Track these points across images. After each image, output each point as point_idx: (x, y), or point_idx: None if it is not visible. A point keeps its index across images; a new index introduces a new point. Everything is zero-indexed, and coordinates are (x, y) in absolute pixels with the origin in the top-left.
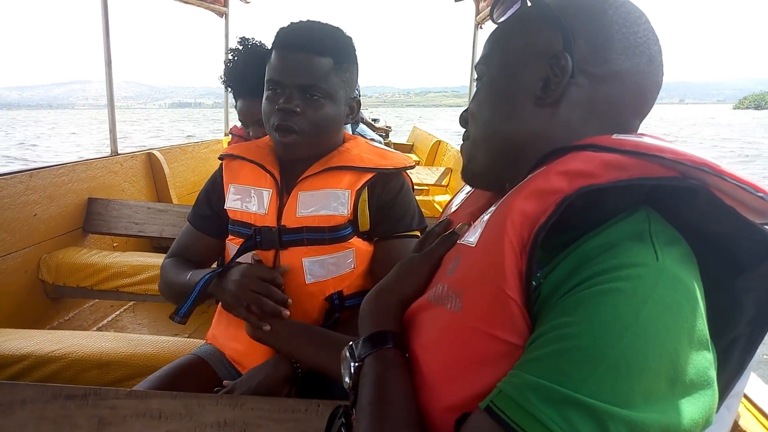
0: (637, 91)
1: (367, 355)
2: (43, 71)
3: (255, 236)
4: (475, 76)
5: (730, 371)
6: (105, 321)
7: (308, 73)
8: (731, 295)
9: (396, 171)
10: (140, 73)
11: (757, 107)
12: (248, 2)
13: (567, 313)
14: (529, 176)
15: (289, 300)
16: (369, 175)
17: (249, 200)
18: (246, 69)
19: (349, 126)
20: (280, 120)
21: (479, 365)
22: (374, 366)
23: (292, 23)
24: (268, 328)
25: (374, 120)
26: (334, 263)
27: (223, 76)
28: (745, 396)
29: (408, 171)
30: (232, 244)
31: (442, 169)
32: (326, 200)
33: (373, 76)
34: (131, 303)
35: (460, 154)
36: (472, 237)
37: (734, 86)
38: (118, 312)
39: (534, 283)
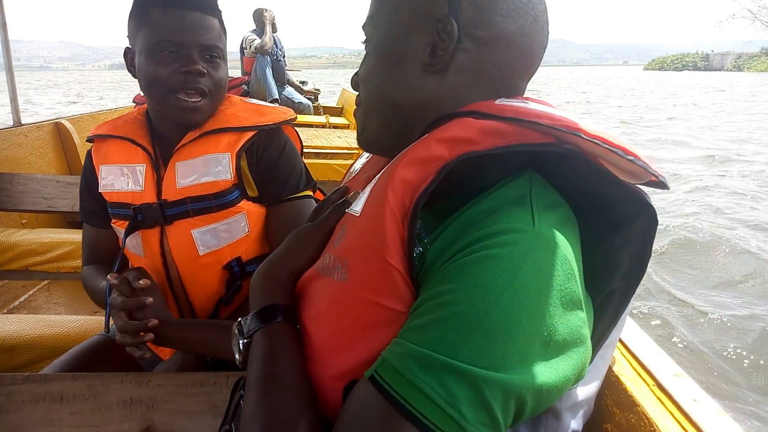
0: (522, 53)
1: (256, 331)
2: None
3: (135, 215)
4: (363, 38)
5: (604, 323)
6: (16, 302)
7: (208, 33)
8: (609, 252)
9: (276, 126)
10: (77, 33)
11: (660, 69)
12: None
13: (447, 280)
14: (411, 145)
15: (148, 301)
16: (249, 135)
17: (123, 179)
18: None
19: (274, 88)
20: (184, 83)
21: (365, 333)
22: (262, 342)
23: None
24: (156, 322)
25: (302, 83)
26: (226, 230)
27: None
28: (621, 342)
29: (335, 134)
30: (117, 227)
31: None
32: (206, 167)
33: (322, 35)
34: (45, 282)
35: None
36: (357, 206)
37: (678, 48)
38: (30, 292)
39: (420, 249)
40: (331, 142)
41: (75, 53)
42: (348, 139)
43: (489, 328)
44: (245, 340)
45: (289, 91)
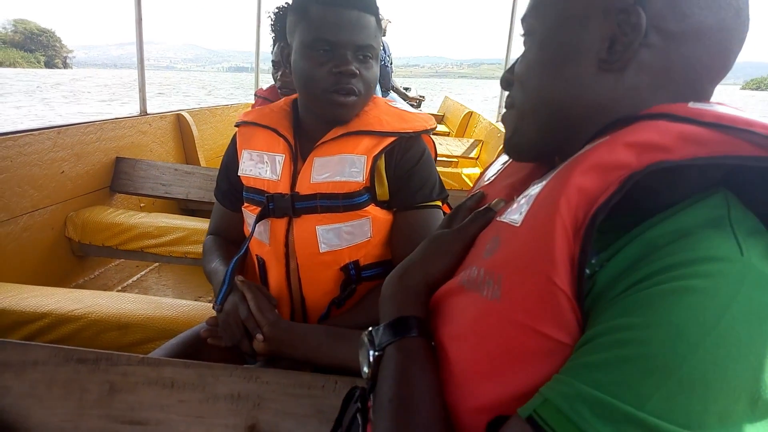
0: (719, 51)
1: (389, 344)
2: (101, 30)
3: (268, 203)
4: (521, 31)
5: None
6: (130, 281)
7: (363, 32)
8: None
9: (416, 134)
10: (200, 36)
11: (757, 89)
12: None
13: (631, 313)
14: (590, 146)
15: (259, 336)
16: (388, 140)
17: (262, 166)
18: None
19: (379, 93)
20: (338, 83)
21: (518, 363)
22: (396, 357)
23: None
24: (261, 338)
25: (406, 89)
26: (350, 232)
27: (273, 26)
28: None
29: (436, 141)
30: (248, 212)
31: (471, 140)
32: (341, 166)
33: (426, 46)
34: (156, 264)
35: (491, 126)
36: (516, 215)
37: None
38: (143, 272)
39: (588, 271)
40: None
41: (197, 55)
42: (449, 146)
43: (686, 377)
44: (377, 353)
45: (393, 96)
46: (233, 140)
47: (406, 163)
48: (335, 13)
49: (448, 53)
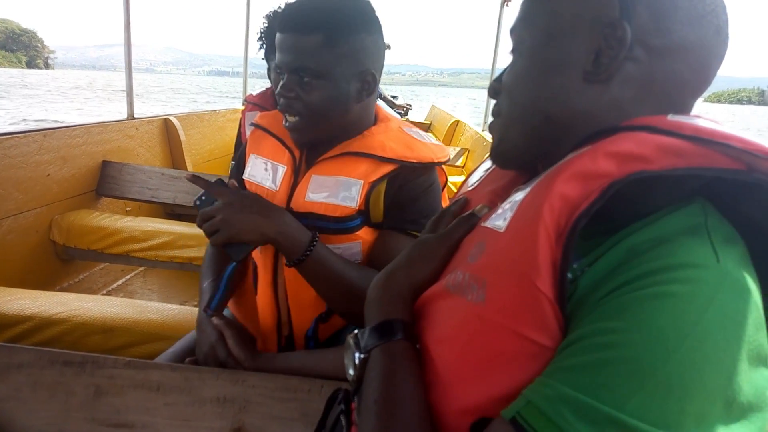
0: (699, 67)
1: (374, 347)
2: (80, 31)
3: None
4: (509, 42)
5: None
6: (115, 285)
7: (295, 54)
8: None
9: (420, 165)
10: (179, 40)
11: (717, 102)
12: None
13: (612, 317)
14: (572, 155)
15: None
16: (389, 168)
17: (265, 174)
18: None
19: None
20: (280, 105)
21: (502, 365)
22: (382, 360)
23: (288, 4)
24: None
25: (393, 97)
26: (339, 253)
27: (260, 37)
28: None
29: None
30: None
31: (458, 148)
32: (336, 189)
33: (406, 54)
34: (142, 268)
35: (477, 135)
36: (500, 221)
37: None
38: (128, 276)
39: (570, 275)
40: None
41: (177, 58)
42: None
43: (664, 379)
44: (362, 356)
45: (380, 104)
46: (247, 140)
47: (410, 191)
48: (278, 38)
49: (429, 62)
